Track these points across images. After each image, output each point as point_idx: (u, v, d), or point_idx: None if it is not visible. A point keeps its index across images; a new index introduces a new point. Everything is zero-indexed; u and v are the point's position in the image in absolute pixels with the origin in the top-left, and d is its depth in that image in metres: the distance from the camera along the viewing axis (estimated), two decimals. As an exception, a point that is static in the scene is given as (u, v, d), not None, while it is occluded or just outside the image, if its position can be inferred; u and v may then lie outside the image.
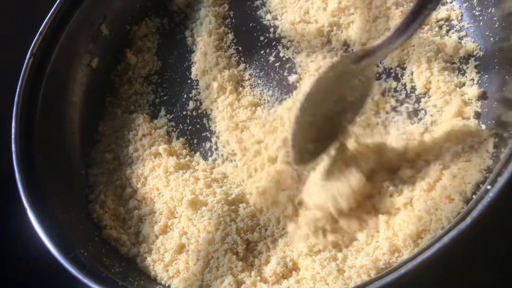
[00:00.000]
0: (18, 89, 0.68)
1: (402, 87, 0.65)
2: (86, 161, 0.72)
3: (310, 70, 0.70)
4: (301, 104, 0.53)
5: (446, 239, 0.41)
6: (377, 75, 0.66)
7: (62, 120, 0.72)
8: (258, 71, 0.73)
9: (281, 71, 0.72)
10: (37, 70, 0.70)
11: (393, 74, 0.66)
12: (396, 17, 0.68)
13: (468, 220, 0.42)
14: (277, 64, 0.73)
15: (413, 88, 0.64)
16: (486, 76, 0.60)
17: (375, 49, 0.53)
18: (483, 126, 0.57)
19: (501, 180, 0.43)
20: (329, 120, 0.56)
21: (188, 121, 0.74)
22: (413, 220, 0.52)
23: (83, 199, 0.68)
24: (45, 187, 0.63)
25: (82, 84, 0.77)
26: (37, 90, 0.70)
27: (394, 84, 0.65)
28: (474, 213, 0.42)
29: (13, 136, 0.65)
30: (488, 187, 0.44)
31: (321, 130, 0.56)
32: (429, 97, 0.63)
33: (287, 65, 0.72)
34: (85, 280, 0.52)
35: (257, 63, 0.74)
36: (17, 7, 0.83)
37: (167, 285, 0.59)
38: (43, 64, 0.71)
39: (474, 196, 0.49)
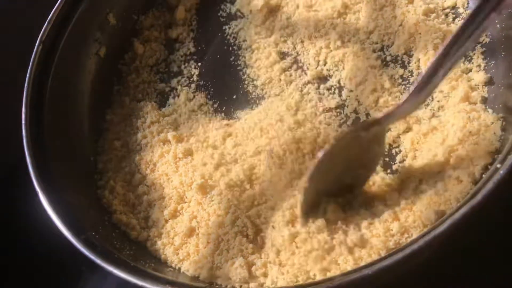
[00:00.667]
0: (27, 76, 0.68)
1: (409, 74, 0.66)
2: (95, 148, 0.73)
3: (309, 57, 0.71)
4: (310, 174, 0.53)
5: (457, 216, 0.42)
6: (384, 62, 0.67)
7: (70, 107, 0.72)
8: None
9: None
10: (46, 58, 0.71)
11: (400, 62, 0.67)
12: (403, 5, 0.69)
13: (479, 196, 0.42)
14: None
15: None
16: (493, 62, 0.61)
17: (385, 117, 0.53)
18: (490, 111, 0.58)
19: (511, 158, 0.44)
20: (341, 179, 0.56)
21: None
22: (422, 201, 0.53)
23: (92, 185, 0.68)
24: (55, 172, 0.63)
25: (90, 72, 0.77)
26: (46, 77, 0.70)
27: (401, 71, 0.66)
28: (485, 190, 0.42)
29: (23, 122, 0.65)
30: (498, 165, 0.45)
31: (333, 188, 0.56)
32: (436, 83, 0.63)
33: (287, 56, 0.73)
34: (98, 261, 0.52)
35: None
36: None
37: (177, 268, 0.59)
38: (51, 52, 0.72)
39: (483, 177, 0.50)
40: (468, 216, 0.42)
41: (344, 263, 0.51)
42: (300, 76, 0.71)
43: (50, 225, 0.57)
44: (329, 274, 0.50)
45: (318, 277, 0.51)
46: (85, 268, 0.72)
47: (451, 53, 0.49)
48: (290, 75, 0.71)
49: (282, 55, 0.74)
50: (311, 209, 0.56)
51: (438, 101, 0.62)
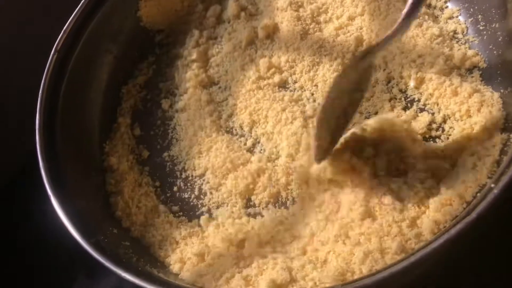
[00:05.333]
0: (42, 83, 0.71)
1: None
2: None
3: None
4: (323, 106, 0.58)
5: (452, 232, 0.45)
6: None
7: (82, 114, 0.75)
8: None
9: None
10: (60, 66, 0.73)
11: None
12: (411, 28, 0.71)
13: (474, 215, 0.45)
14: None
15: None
16: (490, 86, 0.64)
17: (379, 44, 0.56)
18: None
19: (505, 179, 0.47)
20: (340, 114, 0.61)
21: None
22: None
23: (101, 190, 0.70)
24: (67, 177, 0.65)
25: (102, 81, 0.80)
26: (60, 85, 0.73)
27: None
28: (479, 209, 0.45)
29: (37, 128, 0.68)
30: (492, 185, 0.48)
31: (335, 126, 0.61)
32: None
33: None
34: (108, 264, 0.54)
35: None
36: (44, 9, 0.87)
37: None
38: (66, 60, 0.74)
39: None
40: (463, 232, 0.45)
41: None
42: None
43: (60, 227, 0.59)
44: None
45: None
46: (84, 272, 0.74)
47: None
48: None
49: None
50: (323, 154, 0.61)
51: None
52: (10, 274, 0.76)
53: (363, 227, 0.56)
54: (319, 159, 0.61)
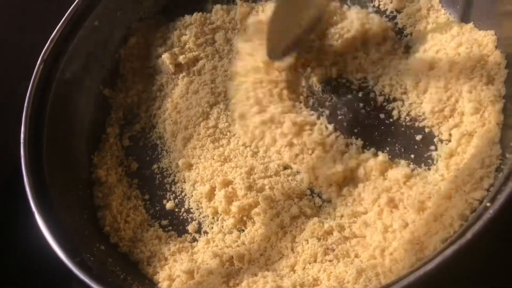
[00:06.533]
0: (28, 94, 0.69)
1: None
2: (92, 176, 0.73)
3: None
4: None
5: (448, 252, 0.43)
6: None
7: (70, 127, 0.73)
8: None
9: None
10: (46, 76, 0.71)
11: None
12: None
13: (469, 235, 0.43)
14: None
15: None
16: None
17: None
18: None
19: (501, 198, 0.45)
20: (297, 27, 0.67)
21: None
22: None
23: (88, 204, 0.68)
24: (52, 192, 0.63)
25: (90, 90, 0.78)
26: (47, 95, 0.71)
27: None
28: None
29: (22, 141, 0.65)
30: (488, 204, 0.46)
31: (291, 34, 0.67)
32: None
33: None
34: (92, 285, 0.52)
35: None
36: (30, 19, 0.85)
37: None
38: (52, 70, 0.72)
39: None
40: (458, 253, 0.43)
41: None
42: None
43: (45, 245, 0.58)
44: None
45: None
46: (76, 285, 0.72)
47: None
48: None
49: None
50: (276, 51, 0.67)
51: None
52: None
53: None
54: (270, 55, 0.67)
